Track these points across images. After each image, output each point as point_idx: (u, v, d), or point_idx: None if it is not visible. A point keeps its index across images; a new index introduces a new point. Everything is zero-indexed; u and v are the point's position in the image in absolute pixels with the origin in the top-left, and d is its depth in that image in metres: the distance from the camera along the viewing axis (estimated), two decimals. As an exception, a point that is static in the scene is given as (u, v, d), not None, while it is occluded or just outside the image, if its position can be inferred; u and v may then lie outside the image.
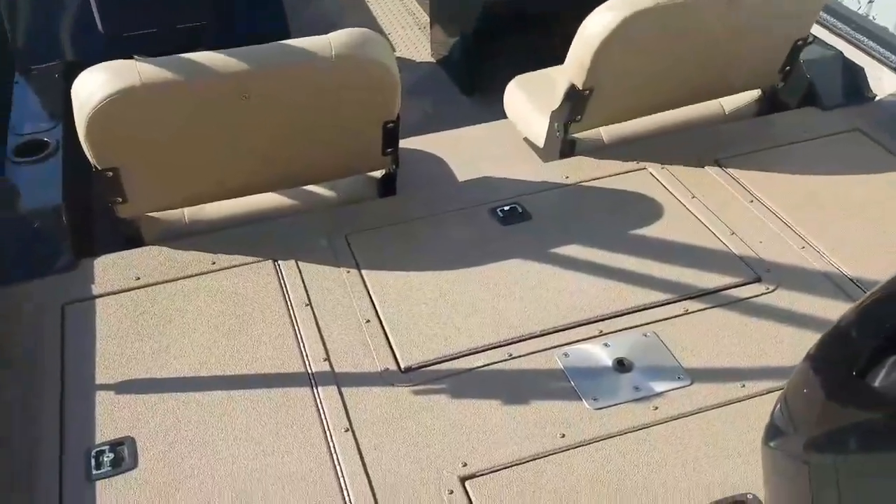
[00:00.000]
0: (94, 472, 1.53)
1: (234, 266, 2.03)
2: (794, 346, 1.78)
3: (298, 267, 2.02)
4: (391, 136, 2.13)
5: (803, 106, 2.68)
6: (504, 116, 2.81)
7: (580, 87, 2.26)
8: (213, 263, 2.03)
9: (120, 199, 1.99)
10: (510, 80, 2.79)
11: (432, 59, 4.13)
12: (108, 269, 2.02)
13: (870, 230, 2.12)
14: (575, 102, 2.30)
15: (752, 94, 2.67)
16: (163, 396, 1.69)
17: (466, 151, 2.76)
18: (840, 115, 2.59)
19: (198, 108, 1.88)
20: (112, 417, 1.64)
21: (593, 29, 2.15)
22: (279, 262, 2.04)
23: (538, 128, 2.57)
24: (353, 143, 2.14)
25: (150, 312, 1.90)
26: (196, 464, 1.55)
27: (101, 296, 1.94)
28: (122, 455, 1.57)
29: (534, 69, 2.81)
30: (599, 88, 2.28)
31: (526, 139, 2.70)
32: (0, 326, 1.86)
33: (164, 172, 2.01)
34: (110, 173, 1.92)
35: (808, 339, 1.82)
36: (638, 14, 2.12)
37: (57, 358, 1.78)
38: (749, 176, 2.32)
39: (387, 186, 2.31)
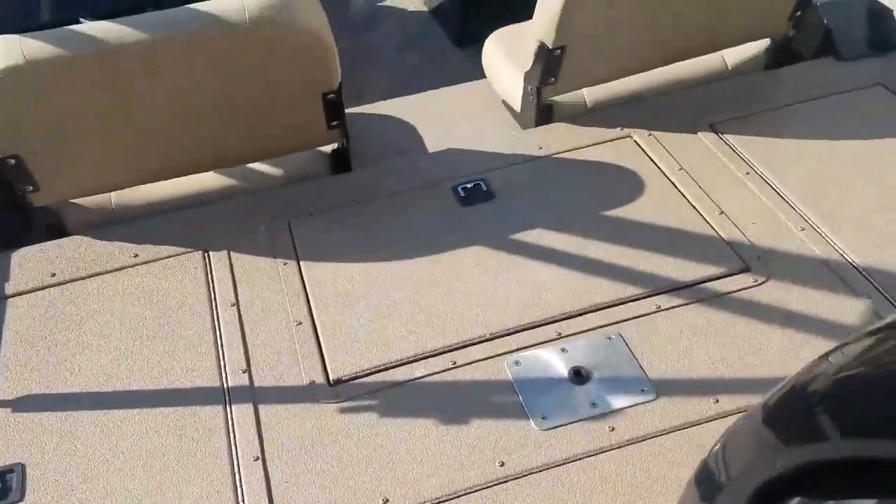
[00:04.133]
0: (-25, 505, 1.38)
1: (159, 259, 1.83)
2: (781, 355, 1.54)
3: (230, 259, 1.82)
4: (334, 108, 1.90)
5: (819, 57, 2.36)
6: None
7: (550, 45, 1.98)
8: (136, 256, 1.84)
9: (31, 188, 1.80)
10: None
11: (425, 8, 3.84)
12: (24, 263, 1.84)
13: (890, 208, 1.83)
14: (546, 63, 2.03)
15: (760, 45, 2.35)
16: (62, 415, 1.52)
17: (439, 116, 2.51)
18: (861, 67, 2.27)
19: (96, 86, 1.66)
20: (5, 440, 1.48)
21: None
22: (210, 253, 1.84)
23: (515, 90, 2.30)
24: (292, 119, 1.91)
25: (62, 315, 1.72)
26: (84, 498, 1.38)
27: (12, 296, 1.77)
28: (10, 485, 1.41)
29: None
30: (574, 46, 2.00)
31: (504, 102, 2.44)
32: None
33: (75, 157, 1.81)
34: (12, 161, 1.72)
35: (798, 346, 1.58)
36: None
37: None
38: (747, 142, 2.04)
39: (339, 162, 2.08)
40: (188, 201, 2.00)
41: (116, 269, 1.81)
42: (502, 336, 1.61)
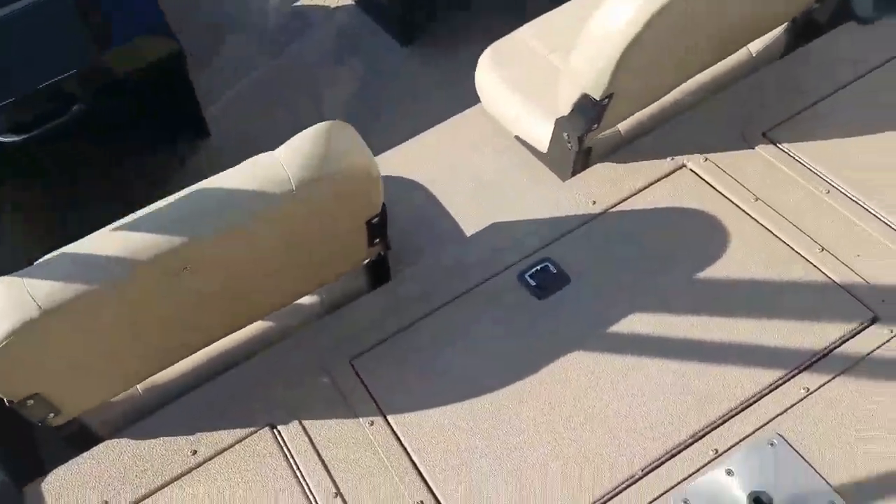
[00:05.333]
0: None
1: (222, 450, 1.56)
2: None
3: (306, 432, 1.56)
4: (378, 229, 1.62)
5: (837, 24, 2.19)
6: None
7: (598, 97, 1.74)
8: (195, 454, 1.56)
9: (52, 414, 1.48)
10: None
11: (352, 1, 3.45)
12: (63, 493, 1.53)
13: None
14: (593, 114, 1.79)
15: (781, 27, 2.16)
16: None
17: (449, 167, 2.24)
18: (887, 31, 2.11)
19: (124, 304, 1.34)
20: None
21: (612, 31, 1.61)
22: (278, 427, 1.57)
23: (534, 128, 2.06)
24: (332, 254, 1.63)
25: None
26: None
27: None
28: None
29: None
30: (621, 91, 1.77)
31: (518, 138, 2.18)
32: None
33: (101, 373, 1.49)
34: (31, 401, 1.40)
35: None
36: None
37: None
38: (811, 150, 1.87)
39: (378, 274, 1.81)
40: (226, 362, 1.70)
41: (178, 477, 1.53)
42: (653, 469, 1.43)
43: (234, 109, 3.03)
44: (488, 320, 1.68)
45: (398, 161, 2.26)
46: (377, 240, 1.65)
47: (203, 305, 1.47)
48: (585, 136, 1.87)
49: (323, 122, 1.43)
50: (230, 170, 1.36)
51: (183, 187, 1.37)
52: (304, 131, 1.41)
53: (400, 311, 1.71)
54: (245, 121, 2.97)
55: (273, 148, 1.42)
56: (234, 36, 3.23)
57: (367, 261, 1.77)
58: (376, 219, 1.57)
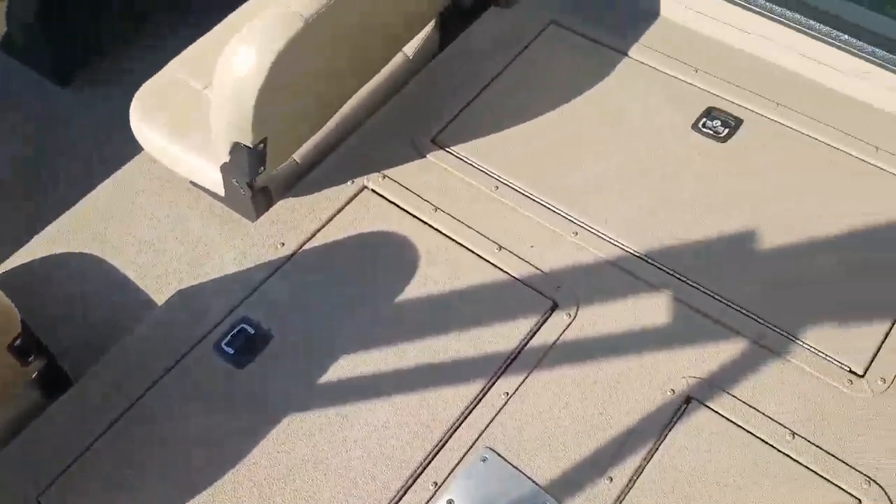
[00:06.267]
0: None
1: None
2: (638, 390, 1.54)
3: None
4: (25, 348, 1.42)
5: (480, 10, 2.27)
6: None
7: (250, 144, 1.64)
8: None
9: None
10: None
11: None
12: None
13: (625, 173, 1.87)
14: (251, 160, 1.70)
15: (430, 23, 2.20)
16: None
17: (124, 229, 2.03)
18: (526, 10, 2.23)
19: None
20: None
21: (239, 80, 1.51)
22: None
23: (207, 173, 1.92)
24: None
25: None
26: None
27: None
28: None
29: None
30: (275, 131, 1.69)
31: (195, 184, 2.03)
32: None
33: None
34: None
35: (647, 371, 1.53)
36: (293, 41, 1.51)
37: None
38: (476, 149, 1.94)
39: (53, 383, 1.60)
40: None
41: None
42: (382, 520, 1.43)
43: None
44: (189, 408, 1.56)
45: (65, 233, 2.02)
46: (31, 357, 1.46)
47: None
48: (255, 179, 1.77)
49: None
50: None
51: None
52: None
53: (87, 420, 1.54)
54: None
55: None
56: None
57: (34, 375, 1.56)
58: (18, 340, 1.38)
